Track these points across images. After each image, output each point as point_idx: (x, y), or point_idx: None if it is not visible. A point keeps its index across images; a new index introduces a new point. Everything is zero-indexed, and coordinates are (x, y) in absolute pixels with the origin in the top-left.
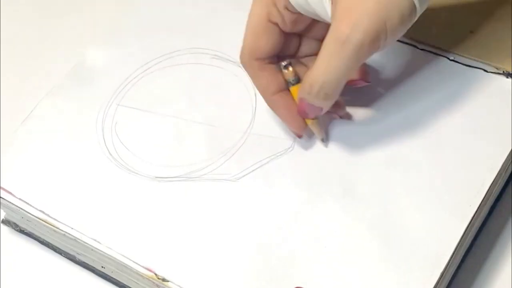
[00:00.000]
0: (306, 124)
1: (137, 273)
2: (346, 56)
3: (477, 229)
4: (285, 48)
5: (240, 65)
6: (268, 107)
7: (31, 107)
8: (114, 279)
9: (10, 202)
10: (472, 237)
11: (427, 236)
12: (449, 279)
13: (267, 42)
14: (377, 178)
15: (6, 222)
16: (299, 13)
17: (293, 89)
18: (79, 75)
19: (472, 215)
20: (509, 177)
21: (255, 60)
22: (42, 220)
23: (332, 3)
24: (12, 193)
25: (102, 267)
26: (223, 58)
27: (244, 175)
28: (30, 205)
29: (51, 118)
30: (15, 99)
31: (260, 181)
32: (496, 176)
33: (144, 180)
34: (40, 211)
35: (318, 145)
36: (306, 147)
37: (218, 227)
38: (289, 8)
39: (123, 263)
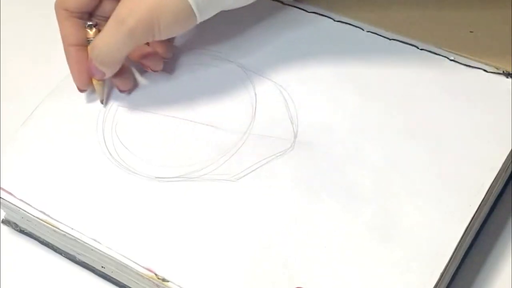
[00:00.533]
0: (89, 82)
1: (137, 273)
2: (118, 35)
3: (477, 229)
4: (98, 9)
5: (240, 64)
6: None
7: (32, 108)
8: (114, 279)
9: (10, 203)
10: (472, 237)
11: (427, 236)
12: (449, 279)
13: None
14: (377, 178)
15: (6, 222)
16: None
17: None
18: None
19: (472, 215)
20: (509, 177)
21: (63, 10)
22: (42, 221)
23: None
24: (12, 193)
25: (102, 267)
26: (223, 58)
27: (244, 175)
28: (30, 206)
29: (51, 118)
30: (15, 99)
31: (260, 181)
32: (496, 176)
33: (144, 180)
34: (40, 211)
35: (318, 145)
36: (306, 147)
37: (218, 227)
38: None
39: (123, 263)
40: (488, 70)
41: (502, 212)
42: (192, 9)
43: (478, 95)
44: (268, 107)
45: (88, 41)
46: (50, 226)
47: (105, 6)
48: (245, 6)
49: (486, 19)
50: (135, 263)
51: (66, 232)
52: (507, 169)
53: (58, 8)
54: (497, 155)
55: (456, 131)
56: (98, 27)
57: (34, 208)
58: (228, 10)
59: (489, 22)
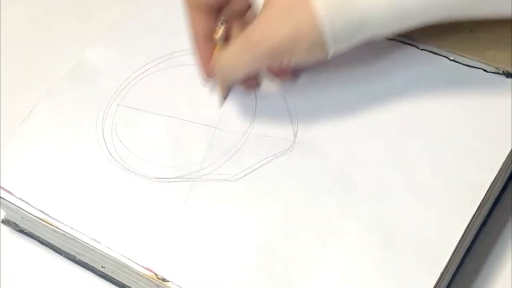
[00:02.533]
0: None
1: (137, 273)
2: (247, 57)
3: (477, 229)
4: (231, 6)
5: None
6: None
7: (31, 107)
8: (114, 279)
9: (10, 202)
10: (472, 237)
11: (427, 236)
12: (449, 279)
13: None
14: (377, 178)
15: (6, 222)
16: None
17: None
18: (79, 75)
19: (472, 215)
20: (509, 177)
21: (196, 1)
22: (42, 220)
23: (264, 3)
24: (12, 192)
25: (102, 267)
26: None
27: (244, 175)
28: (30, 205)
29: (51, 118)
30: (15, 99)
31: (260, 181)
32: (496, 176)
33: (144, 180)
34: (40, 211)
35: (318, 145)
36: (306, 148)
37: (218, 227)
38: None
39: (123, 263)
40: (488, 70)
41: (502, 212)
42: (327, 44)
43: (478, 95)
44: (268, 107)
45: (216, 41)
46: (50, 225)
47: (235, 4)
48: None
49: (486, 19)
50: (135, 263)
51: (66, 232)
52: (507, 169)
53: (192, 1)
54: (497, 155)
55: (456, 131)
56: (227, 27)
57: (34, 207)
58: None
59: (489, 22)
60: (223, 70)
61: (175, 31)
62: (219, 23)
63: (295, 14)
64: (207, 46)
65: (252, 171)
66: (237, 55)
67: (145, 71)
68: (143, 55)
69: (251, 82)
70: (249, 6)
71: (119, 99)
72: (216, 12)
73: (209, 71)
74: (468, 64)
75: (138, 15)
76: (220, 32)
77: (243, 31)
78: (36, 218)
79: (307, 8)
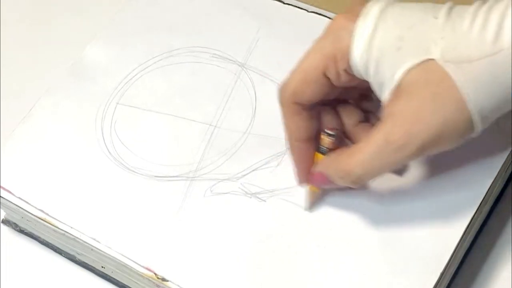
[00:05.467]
0: (307, 182)
1: (137, 272)
2: (392, 161)
3: (477, 229)
4: (326, 96)
5: (240, 63)
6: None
7: (31, 106)
8: (114, 279)
9: (9, 201)
10: (472, 237)
11: (427, 236)
12: (449, 279)
13: (314, 92)
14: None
15: (6, 222)
16: (355, 76)
17: (318, 155)
18: (78, 73)
19: (472, 215)
20: (509, 177)
21: (294, 103)
22: (42, 219)
23: (391, 98)
24: (12, 192)
25: (102, 267)
26: (222, 57)
27: (244, 175)
28: (30, 204)
29: (50, 116)
30: (15, 99)
31: (260, 181)
32: (496, 176)
33: (143, 179)
34: (40, 210)
35: None
36: None
37: (218, 226)
38: (348, 71)
39: (123, 262)
40: None
41: (502, 212)
42: (476, 128)
43: None
44: (268, 107)
45: (320, 148)
46: (50, 225)
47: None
48: (244, 6)
49: None
50: (135, 262)
51: (66, 231)
52: (507, 169)
53: (288, 102)
54: (497, 155)
55: None
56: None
57: (33, 206)
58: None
59: None
60: (359, 178)
61: (175, 28)
62: (325, 134)
63: (441, 104)
64: (308, 149)
65: (252, 170)
66: (376, 158)
67: (144, 69)
68: (142, 53)
69: None
70: (338, 94)
71: (118, 97)
72: (315, 109)
73: (306, 178)
74: None
75: (138, 12)
76: (327, 143)
77: (364, 128)
78: (35, 218)
79: (455, 95)
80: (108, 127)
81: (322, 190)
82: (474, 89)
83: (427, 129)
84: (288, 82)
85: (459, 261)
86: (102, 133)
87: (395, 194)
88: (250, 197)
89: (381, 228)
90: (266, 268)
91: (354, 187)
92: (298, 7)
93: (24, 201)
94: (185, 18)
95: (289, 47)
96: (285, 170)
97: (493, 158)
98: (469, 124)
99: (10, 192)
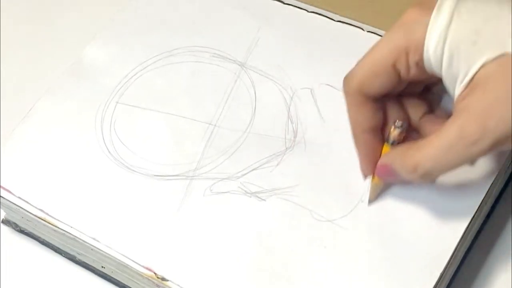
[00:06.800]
0: (372, 173)
1: (137, 272)
2: (464, 156)
3: (477, 229)
4: (393, 89)
5: (240, 63)
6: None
7: (31, 106)
8: (114, 279)
9: (9, 201)
10: (472, 237)
11: (427, 236)
12: (449, 279)
13: (382, 84)
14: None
15: (6, 222)
16: (425, 70)
17: (387, 146)
18: (78, 73)
19: (472, 215)
20: (509, 177)
21: (360, 94)
22: (42, 219)
23: (464, 92)
24: (12, 191)
25: (102, 267)
26: (222, 57)
27: (244, 174)
28: (30, 204)
29: (50, 116)
30: (15, 99)
31: (260, 181)
32: (496, 176)
33: (143, 178)
34: (40, 209)
35: (318, 145)
36: (306, 147)
37: (218, 226)
38: (419, 65)
39: (123, 262)
40: None
41: (502, 212)
42: None
43: None
44: (268, 107)
45: (387, 140)
46: (50, 224)
47: (407, 88)
48: (244, 6)
49: None
50: (135, 262)
51: (66, 231)
52: (507, 169)
53: (354, 92)
54: (497, 156)
55: None
56: (403, 130)
57: (33, 206)
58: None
59: None
60: (429, 171)
61: (175, 28)
62: (395, 126)
63: None
64: (374, 140)
65: (252, 170)
66: (448, 152)
67: (144, 68)
68: (142, 52)
69: None
70: (424, 88)
71: (118, 96)
72: (381, 101)
73: (370, 169)
74: None
75: (138, 12)
76: (396, 136)
77: (434, 122)
78: (35, 217)
79: None
80: (107, 127)
81: (385, 184)
82: None
83: (502, 124)
84: (355, 72)
85: (459, 261)
86: (102, 133)
87: (395, 195)
88: (250, 197)
89: (381, 228)
90: (265, 267)
91: (421, 182)
92: (298, 7)
93: (24, 201)
94: (185, 18)
95: (289, 47)
96: (285, 169)
97: (493, 158)
98: None
99: (10, 192)
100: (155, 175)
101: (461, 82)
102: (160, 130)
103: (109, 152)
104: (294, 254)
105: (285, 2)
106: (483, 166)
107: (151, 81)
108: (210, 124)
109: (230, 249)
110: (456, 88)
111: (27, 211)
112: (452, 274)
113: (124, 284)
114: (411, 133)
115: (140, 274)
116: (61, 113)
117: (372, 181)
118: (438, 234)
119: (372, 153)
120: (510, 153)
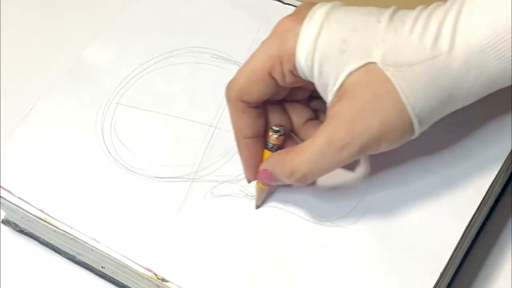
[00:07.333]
0: (255, 179)
1: (137, 273)
2: (335, 160)
3: (477, 229)
4: (273, 96)
5: (240, 63)
6: None
7: (31, 106)
8: (114, 279)
9: (9, 201)
10: (472, 237)
11: (427, 236)
12: (449, 279)
13: (259, 91)
14: (376, 178)
15: (6, 222)
16: (300, 77)
17: (268, 152)
18: (78, 74)
19: (472, 215)
20: (509, 177)
21: (240, 101)
22: (42, 219)
23: (334, 99)
24: (12, 192)
25: (102, 267)
26: (223, 58)
27: (244, 177)
28: (30, 204)
29: (50, 116)
30: (15, 99)
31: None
32: (496, 176)
33: (144, 179)
34: (39, 210)
35: None
36: None
37: (218, 228)
38: (293, 73)
39: (123, 263)
40: None
41: (502, 212)
42: (415, 130)
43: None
44: None
45: (268, 145)
46: (49, 225)
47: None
48: (244, 6)
49: None
50: (135, 263)
51: (66, 231)
52: (507, 169)
53: (234, 100)
54: (497, 155)
55: (456, 131)
56: (283, 135)
57: (33, 206)
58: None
59: None
60: (304, 176)
61: (175, 28)
62: (272, 131)
63: (382, 106)
64: (255, 146)
65: None
66: (320, 157)
67: (145, 69)
68: (142, 53)
69: None
70: (286, 94)
71: (118, 97)
72: (262, 108)
73: (254, 175)
74: None
75: (138, 12)
76: (275, 141)
77: (308, 128)
78: (35, 218)
79: (394, 97)
80: (108, 127)
81: (271, 188)
82: (413, 93)
83: (368, 130)
84: (235, 81)
85: (459, 261)
86: (102, 133)
87: (395, 195)
88: (251, 199)
89: (381, 228)
90: (266, 269)
91: (299, 186)
92: None
93: (24, 201)
94: (185, 18)
95: None
96: None
97: (493, 158)
98: (409, 127)
99: (10, 192)
100: (155, 177)
101: (331, 90)
102: (161, 131)
103: (109, 153)
104: (294, 256)
105: (285, 2)
106: (483, 166)
107: (151, 82)
108: (210, 125)
109: (230, 251)
110: (327, 96)
111: (27, 211)
112: (452, 274)
113: (124, 284)
114: (295, 139)
115: (140, 275)
116: (61, 113)
117: (256, 185)
118: (438, 234)
119: (254, 159)
120: (510, 153)
